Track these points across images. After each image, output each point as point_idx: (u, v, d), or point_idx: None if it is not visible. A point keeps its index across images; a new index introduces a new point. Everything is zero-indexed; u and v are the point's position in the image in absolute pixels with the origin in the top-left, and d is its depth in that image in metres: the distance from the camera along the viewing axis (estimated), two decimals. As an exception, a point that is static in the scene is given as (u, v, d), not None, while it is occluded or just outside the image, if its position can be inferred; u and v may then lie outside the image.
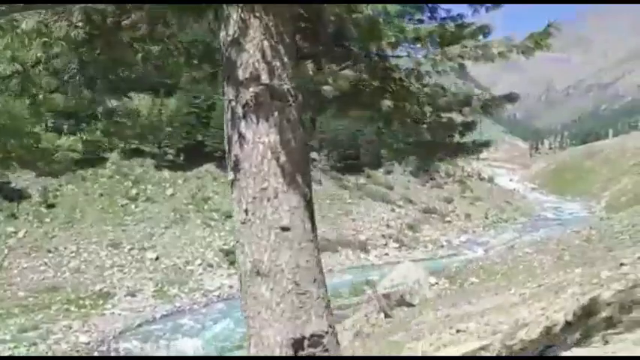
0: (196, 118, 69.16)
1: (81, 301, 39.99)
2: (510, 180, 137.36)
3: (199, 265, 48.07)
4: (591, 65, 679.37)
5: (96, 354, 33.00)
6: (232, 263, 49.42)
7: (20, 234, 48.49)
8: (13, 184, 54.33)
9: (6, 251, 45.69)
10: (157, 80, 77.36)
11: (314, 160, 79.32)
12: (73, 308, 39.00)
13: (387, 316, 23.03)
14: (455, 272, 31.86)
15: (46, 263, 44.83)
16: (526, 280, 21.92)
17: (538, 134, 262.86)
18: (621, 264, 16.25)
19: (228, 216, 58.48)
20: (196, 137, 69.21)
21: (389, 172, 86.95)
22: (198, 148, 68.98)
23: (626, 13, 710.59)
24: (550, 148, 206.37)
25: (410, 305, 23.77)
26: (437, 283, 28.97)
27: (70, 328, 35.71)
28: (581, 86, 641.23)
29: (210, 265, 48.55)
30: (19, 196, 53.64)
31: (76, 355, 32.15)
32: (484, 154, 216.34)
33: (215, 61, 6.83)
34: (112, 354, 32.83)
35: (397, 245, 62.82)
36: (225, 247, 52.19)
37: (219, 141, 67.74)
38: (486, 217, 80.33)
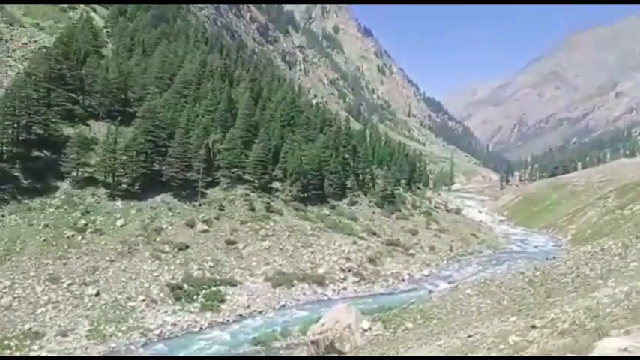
0: (154, 147, 67.42)
1: (6, 342, 37.19)
2: (479, 212, 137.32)
3: (142, 300, 45.55)
4: (562, 100, 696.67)
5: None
6: (178, 299, 47.23)
7: (-48, 267, 45.59)
8: (-50, 215, 51.62)
9: None
10: (115, 108, 76.25)
11: (276, 190, 77.96)
12: (-4, 349, 36.18)
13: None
14: (392, 315, 30.33)
15: (-25, 299, 41.88)
16: (459, 329, 20.55)
17: (509, 166, 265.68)
18: (532, 326, 15.13)
19: (181, 248, 56.43)
20: (153, 166, 67.41)
21: (354, 204, 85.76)
22: (155, 177, 67.10)
23: (596, 48, 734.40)
24: (520, 180, 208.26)
25: (340, 353, 22.04)
26: (370, 329, 27.37)
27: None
28: (552, 120, 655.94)
29: (154, 301, 46.05)
30: (-45, 227, 50.90)
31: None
32: (456, 185, 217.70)
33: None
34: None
35: (357, 279, 61.09)
36: (173, 281, 49.89)
37: (176, 170, 66.17)
38: (451, 250, 79.23)
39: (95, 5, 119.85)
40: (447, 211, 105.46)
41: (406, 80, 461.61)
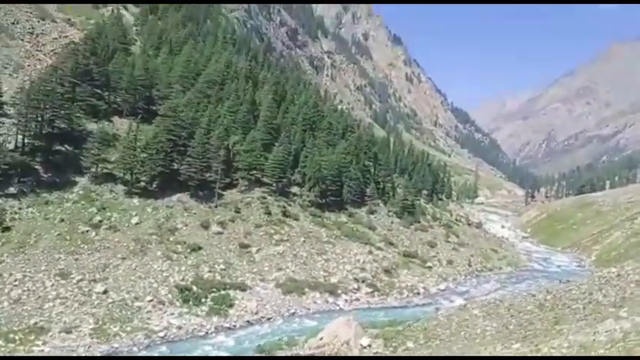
0: (174, 146, 67.24)
1: (11, 335, 37.03)
2: (502, 227, 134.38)
3: (149, 301, 45.10)
4: (593, 116, 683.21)
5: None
6: (186, 301, 46.65)
7: (-34, 257, 45.83)
8: (-31, 204, 52.05)
9: (-56, 275, 42.95)
10: (140, 105, 76.48)
11: (294, 194, 77.19)
12: (0, 342, 35.99)
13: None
14: (395, 333, 29.11)
15: (-16, 291, 41.95)
16: (460, 353, 19.34)
17: (535, 182, 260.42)
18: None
19: (193, 249, 55.93)
20: (172, 165, 67.19)
21: (372, 212, 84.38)
22: (173, 176, 66.90)
23: (630, 63, 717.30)
24: (546, 197, 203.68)
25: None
26: (369, 346, 26.23)
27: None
28: (582, 137, 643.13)
29: (162, 303, 45.56)
30: (-27, 217, 51.26)
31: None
32: (480, 199, 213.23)
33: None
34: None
35: (370, 290, 59.79)
36: (183, 283, 49.36)
37: (195, 170, 65.86)
38: (470, 265, 77.30)
39: (127, 3, 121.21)
40: (468, 224, 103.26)
41: (434, 89, 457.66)
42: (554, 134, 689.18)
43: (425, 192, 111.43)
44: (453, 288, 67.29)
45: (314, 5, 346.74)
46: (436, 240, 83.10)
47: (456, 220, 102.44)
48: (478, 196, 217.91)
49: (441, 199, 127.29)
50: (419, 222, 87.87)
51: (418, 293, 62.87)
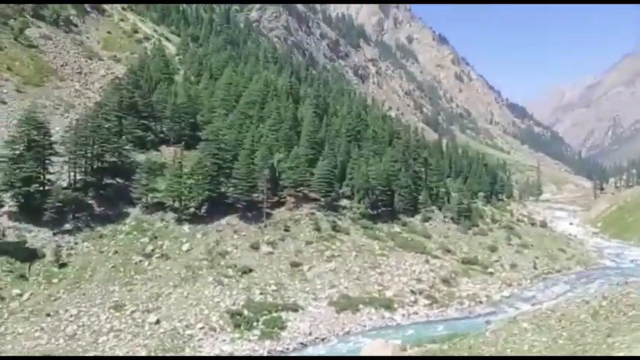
0: (218, 169, 67.47)
1: (66, 373, 37.41)
2: (570, 223, 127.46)
3: (201, 329, 44.72)
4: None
5: None
6: (237, 326, 46.02)
7: (25, 296, 47.15)
8: (28, 244, 53.78)
9: (6, 315, 44.24)
10: (185, 132, 77.61)
11: (344, 207, 75.79)
12: (55, 381, 36.43)
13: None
14: (439, 351, 27.00)
15: (42, 328, 42.97)
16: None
17: (604, 173, 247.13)
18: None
19: (244, 272, 55.47)
20: (218, 188, 67.38)
21: (427, 219, 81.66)
22: (221, 199, 67.04)
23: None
24: (616, 187, 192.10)
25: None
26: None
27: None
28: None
29: (213, 329, 45.09)
30: (32, 256, 52.90)
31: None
32: (545, 195, 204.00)
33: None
34: None
35: (428, 302, 57.27)
36: (234, 307, 48.78)
37: (241, 191, 65.73)
38: (535, 268, 73.09)
39: (169, 34, 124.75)
40: (532, 224, 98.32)
41: (487, 87, 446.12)
42: (619, 120, 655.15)
43: (482, 194, 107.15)
44: (519, 294, 63.59)
45: (353, 14, 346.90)
46: (497, 243, 79.36)
47: (518, 220, 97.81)
48: (542, 192, 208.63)
49: (501, 200, 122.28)
50: (477, 226, 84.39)
51: (480, 302, 59.71)
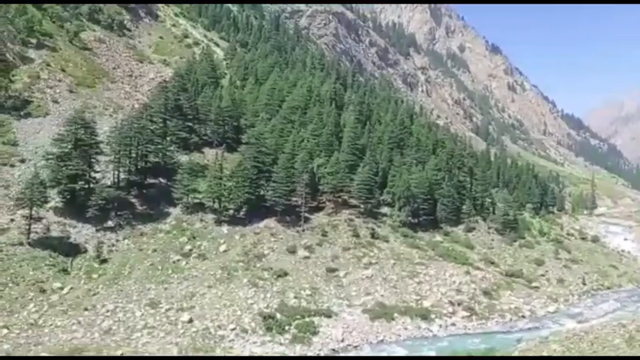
0: (258, 172, 67.68)
1: (98, 366, 37.94)
2: (625, 239, 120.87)
3: (232, 330, 44.59)
4: None
5: None
6: (269, 329, 45.67)
7: (65, 290, 48.41)
8: (71, 239, 55.41)
9: (45, 307, 45.45)
10: (228, 135, 78.49)
11: (384, 215, 74.63)
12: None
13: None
14: None
15: (79, 322, 43.86)
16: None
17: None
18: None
19: (280, 275, 55.18)
20: (258, 191, 67.59)
21: (470, 230, 79.33)
22: (260, 202, 67.19)
23: None
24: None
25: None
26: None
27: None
28: None
29: (245, 331, 44.86)
30: (75, 251, 54.44)
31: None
32: (601, 209, 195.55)
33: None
34: None
35: (467, 314, 55.21)
36: (267, 310, 48.48)
37: (280, 195, 65.67)
38: (584, 284, 69.57)
39: (218, 40, 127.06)
40: (582, 238, 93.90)
41: (540, 97, 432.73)
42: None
43: (530, 205, 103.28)
44: (565, 310, 60.54)
45: (404, 23, 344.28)
46: (544, 257, 76.08)
47: (568, 234, 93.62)
48: (597, 206, 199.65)
49: (552, 212, 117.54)
50: (523, 238, 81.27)
51: (523, 316, 57.13)
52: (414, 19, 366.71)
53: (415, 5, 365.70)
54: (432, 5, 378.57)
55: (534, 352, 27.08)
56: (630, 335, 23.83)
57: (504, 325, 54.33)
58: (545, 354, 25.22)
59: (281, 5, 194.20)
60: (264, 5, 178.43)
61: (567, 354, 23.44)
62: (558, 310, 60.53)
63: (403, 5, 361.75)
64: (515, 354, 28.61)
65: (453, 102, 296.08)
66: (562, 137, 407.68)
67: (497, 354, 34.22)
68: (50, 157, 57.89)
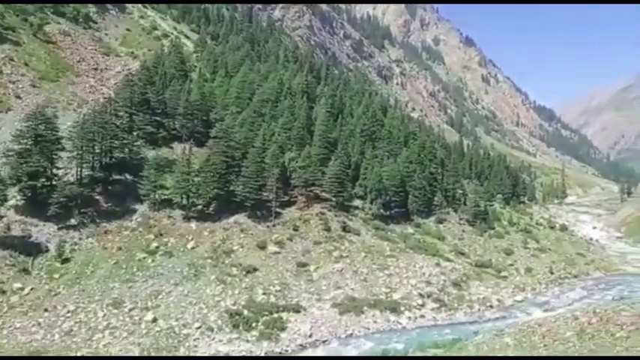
0: (227, 167, 66.69)
1: (56, 369, 36.90)
2: (594, 227, 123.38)
3: (197, 328, 43.85)
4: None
5: None
6: (236, 326, 45.05)
7: (25, 290, 47.02)
8: (33, 238, 53.79)
9: (5, 309, 44.10)
10: (198, 130, 77.12)
11: (356, 208, 74.40)
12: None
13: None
14: None
15: (39, 324, 42.68)
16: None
17: (632, 176, 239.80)
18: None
19: (249, 271, 54.53)
20: (227, 187, 66.60)
21: (441, 221, 79.71)
22: (229, 197, 66.24)
23: None
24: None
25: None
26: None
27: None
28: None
29: (210, 329, 44.17)
30: (36, 250, 52.87)
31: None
32: (571, 198, 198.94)
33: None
34: None
35: (437, 306, 55.46)
36: (234, 307, 47.83)
37: (250, 190, 64.80)
38: (551, 272, 70.57)
39: (188, 32, 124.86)
40: (551, 227, 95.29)
41: (514, 89, 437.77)
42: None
43: (501, 196, 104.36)
44: (532, 299, 61.35)
45: (379, 16, 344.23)
46: (513, 247, 76.97)
47: (537, 223, 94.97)
48: (567, 195, 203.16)
49: (522, 203, 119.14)
50: (493, 228, 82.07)
51: (491, 306, 57.68)
52: (389, 12, 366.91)
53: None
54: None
55: (488, 344, 27.04)
56: (582, 328, 23.93)
57: (472, 316, 54.78)
58: (497, 347, 25.15)
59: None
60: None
61: (519, 348, 23.44)
62: (526, 299, 61.31)
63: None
64: (470, 347, 28.53)
65: (427, 94, 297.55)
66: (534, 128, 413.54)
67: (463, 345, 34.11)
68: (10, 153, 56.06)
